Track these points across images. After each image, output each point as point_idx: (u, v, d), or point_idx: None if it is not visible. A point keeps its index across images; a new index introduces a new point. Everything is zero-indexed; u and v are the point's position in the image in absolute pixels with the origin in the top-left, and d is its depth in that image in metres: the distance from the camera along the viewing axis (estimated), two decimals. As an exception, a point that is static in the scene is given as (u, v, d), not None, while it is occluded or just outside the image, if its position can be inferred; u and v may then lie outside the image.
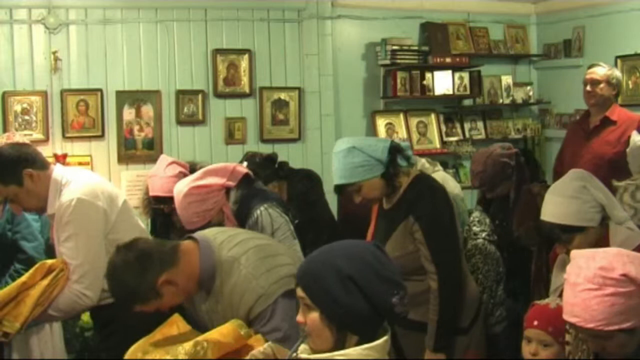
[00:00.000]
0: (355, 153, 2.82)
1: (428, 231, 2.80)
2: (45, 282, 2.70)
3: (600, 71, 4.46)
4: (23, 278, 2.77)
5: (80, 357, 4.38)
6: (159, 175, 3.83)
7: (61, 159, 4.98)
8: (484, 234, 3.41)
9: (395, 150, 2.87)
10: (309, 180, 4.21)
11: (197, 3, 5.43)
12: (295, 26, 5.72)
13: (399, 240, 2.87)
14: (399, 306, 1.67)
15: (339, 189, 2.94)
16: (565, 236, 2.47)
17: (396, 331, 2.79)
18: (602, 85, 4.42)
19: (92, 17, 5.19)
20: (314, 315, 1.67)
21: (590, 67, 4.59)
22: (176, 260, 2.32)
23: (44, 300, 2.70)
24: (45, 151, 5.02)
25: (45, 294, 2.69)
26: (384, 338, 1.69)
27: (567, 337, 2.23)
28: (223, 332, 2.17)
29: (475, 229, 3.44)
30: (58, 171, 2.90)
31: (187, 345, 2.13)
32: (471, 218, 3.48)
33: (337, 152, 2.87)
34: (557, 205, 2.50)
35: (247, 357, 2.00)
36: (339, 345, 1.67)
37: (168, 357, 2.09)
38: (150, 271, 2.27)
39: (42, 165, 2.88)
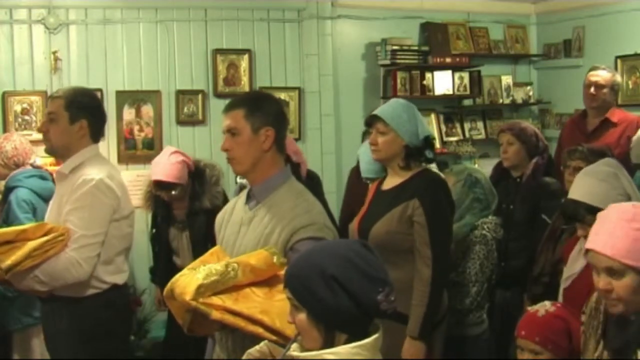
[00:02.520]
0: (409, 111, 3.02)
1: (432, 217, 2.88)
2: (45, 238, 2.68)
3: (605, 76, 4.46)
4: (24, 227, 2.77)
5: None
6: (163, 162, 3.92)
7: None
8: (494, 234, 3.42)
9: (431, 142, 3.05)
10: (308, 180, 4.22)
11: (197, 3, 5.43)
12: (295, 26, 5.72)
13: (394, 219, 2.93)
14: (385, 303, 1.67)
15: (371, 120, 3.07)
16: (589, 217, 2.49)
17: None
18: (605, 91, 4.43)
19: (92, 17, 5.19)
20: (302, 316, 1.69)
21: (592, 69, 4.58)
22: (281, 148, 2.39)
23: (37, 255, 2.65)
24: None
25: (41, 248, 2.66)
26: (375, 336, 1.69)
27: (582, 318, 2.23)
28: (256, 257, 2.16)
29: (488, 226, 3.44)
30: (96, 148, 2.97)
31: (218, 265, 2.13)
32: (489, 218, 3.48)
33: (399, 99, 3.15)
34: (586, 185, 2.55)
35: (244, 356, 2.00)
36: (328, 344, 1.68)
37: (199, 275, 2.08)
38: (272, 116, 2.35)
39: (96, 133, 2.95)
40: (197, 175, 4.02)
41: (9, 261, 2.59)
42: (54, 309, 2.87)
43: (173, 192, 3.95)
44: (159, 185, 3.94)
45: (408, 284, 2.88)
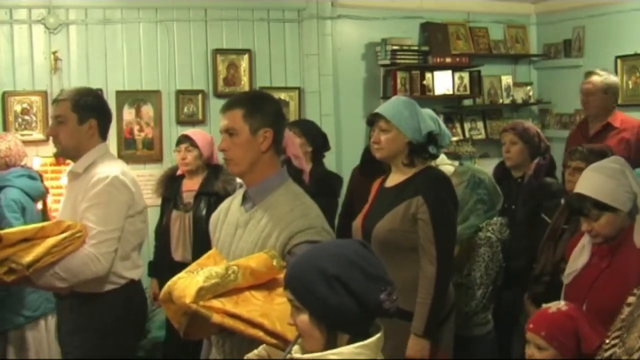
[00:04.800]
0: (411, 108, 3.00)
1: (436, 214, 2.88)
2: (63, 235, 2.72)
3: (595, 81, 4.46)
4: (42, 224, 2.81)
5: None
6: (198, 129, 4.66)
7: (61, 159, 4.97)
8: (499, 235, 3.41)
9: (434, 138, 3.03)
10: (326, 179, 4.36)
11: (197, 3, 5.43)
12: (295, 26, 5.72)
13: (398, 216, 2.93)
14: (387, 302, 1.67)
15: (373, 119, 3.06)
16: (595, 212, 2.52)
17: None
18: (597, 97, 4.43)
19: (92, 17, 5.19)
20: (304, 317, 1.68)
21: (586, 75, 4.59)
22: (278, 149, 2.37)
23: (57, 252, 2.69)
24: (45, 151, 5.03)
25: (60, 245, 2.70)
26: (377, 336, 1.69)
27: (630, 299, 2.23)
28: (255, 260, 2.15)
29: (494, 226, 3.44)
30: (105, 146, 3.01)
31: (218, 268, 2.11)
32: (494, 220, 3.47)
33: (400, 97, 3.14)
34: (594, 180, 2.56)
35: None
36: (331, 344, 1.67)
37: (199, 278, 2.07)
38: (270, 117, 2.33)
39: (104, 131, 3.00)
40: (215, 166, 4.34)
41: (29, 257, 2.63)
42: (72, 305, 2.90)
43: (189, 153, 4.24)
44: (181, 139, 4.33)
45: (412, 282, 2.89)
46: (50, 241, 2.69)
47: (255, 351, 1.96)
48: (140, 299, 3.08)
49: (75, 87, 3.12)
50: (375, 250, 2.88)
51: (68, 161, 4.90)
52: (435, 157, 3.13)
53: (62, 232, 2.74)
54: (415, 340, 2.86)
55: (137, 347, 3.08)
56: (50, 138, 4.90)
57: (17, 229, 2.83)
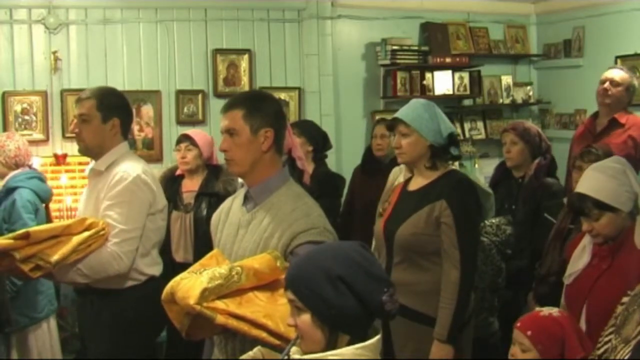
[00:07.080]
0: (430, 110, 2.97)
1: (459, 218, 2.85)
2: (88, 233, 2.77)
3: (622, 75, 4.42)
4: (68, 222, 2.86)
5: (81, 356, 4.39)
6: (199, 130, 4.64)
7: (61, 159, 4.98)
8: (494, 238, 3.40)
9: (455, 139, 3.00)
10: (329, 180, 4.36)
11: (197, 3, 5.43)
12: (295, 26, 5.73)
13: (421, 220, 2.90)
14: (389, 303, 1.67)
15: (393, 124, 3.04)
16: (596, 212, 2.52)
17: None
18: (620, 89, 4.36)
19: (92, 17, 5.19)
20: (305, 318, 1.68)
21: (612, 67, 4.57)
22: (279, 148, 2.36)
23: (82, 250, 2.75)
24: (45, 151, 5.04)
25: (85, 243, 2.76)
26: (377, 338, 1.69)
27: (625, 299, 2.24)
28: (259, 261, 2.14)
29: (488, 228, 3.43)
30: (126, 145, 3.05)
31: (222, 269, 2.11)
32: (494, 220, 3.45)
33: (419, 99, 3.08)
34: (595, 180, 2.56)
35: None
36: (331, 345, 1.68)
37: (203, 279, 2.07)
38: (271, 117, 2.32)
39: (126, 130, 3.04)
40: (215, 166, 4.35)
41: (56, 256, 2.69)
42: (93, 301, 2.94)
43: (188, 152, 4.23)
44: (181, 139, 4.33)
45: (434, 286, 2.86)
46: (76, 239, 2.75)
47: (250, 352, 1.94)
48: (160, 295, 3.09)
49: (99, 87, 3.18)
50: (398, 253, 2.93)
51: (68, 160, 4.96)
52: (458, 158, 3.11)
53: (86, 230, 2.79)
54: (440, 346, 2.82)
55: (156, 342, 3.10)
56: (51, 138, 5.01)
57: (45, 226, 2.88)
